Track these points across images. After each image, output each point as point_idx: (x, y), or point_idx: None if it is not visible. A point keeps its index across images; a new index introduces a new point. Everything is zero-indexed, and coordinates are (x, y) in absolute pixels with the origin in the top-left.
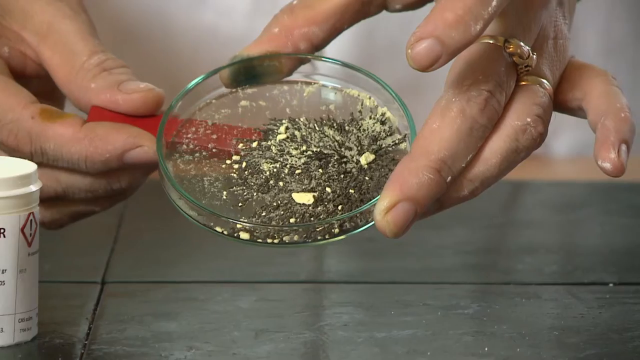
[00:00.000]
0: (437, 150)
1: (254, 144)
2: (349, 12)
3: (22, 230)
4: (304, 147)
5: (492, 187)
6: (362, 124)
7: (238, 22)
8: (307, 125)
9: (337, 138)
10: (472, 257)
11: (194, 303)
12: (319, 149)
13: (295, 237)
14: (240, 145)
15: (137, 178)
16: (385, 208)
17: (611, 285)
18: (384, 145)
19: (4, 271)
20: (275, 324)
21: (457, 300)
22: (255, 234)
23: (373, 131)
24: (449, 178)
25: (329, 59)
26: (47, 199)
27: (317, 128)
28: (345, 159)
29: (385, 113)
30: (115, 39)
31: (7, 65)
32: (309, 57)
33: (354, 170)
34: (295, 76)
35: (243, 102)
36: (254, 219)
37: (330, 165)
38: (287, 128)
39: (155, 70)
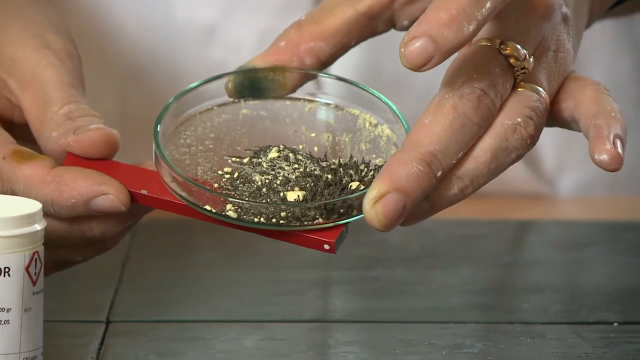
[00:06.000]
0: (427, 143)
1: (245, 160)
2: (356, 28)
3: (26, 269)
4: (297, 166)
5: (498, 227)
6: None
7: (246, 58)
8: (301, 152)
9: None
10: (477, 296)
11: (199, 342)
12: (312, 170)
13: (282, 221)
14: (233, 159)
15: (111, 227)
16: (374, 198)
17: (616, 324)
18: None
19: (8, 310)
20: None
21: (462, 340)
22: (242, 212)
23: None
24: (439, 173)
25: (333, 75)
26: None
27: (311, 157)
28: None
29: (384, 130)
30: (122, 75)
31: None
32: (314, 72)
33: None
34: (298, 93)
35: (244, 111)
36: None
37: (323, 179)
38: (280, 150)
39: (162, 106)
